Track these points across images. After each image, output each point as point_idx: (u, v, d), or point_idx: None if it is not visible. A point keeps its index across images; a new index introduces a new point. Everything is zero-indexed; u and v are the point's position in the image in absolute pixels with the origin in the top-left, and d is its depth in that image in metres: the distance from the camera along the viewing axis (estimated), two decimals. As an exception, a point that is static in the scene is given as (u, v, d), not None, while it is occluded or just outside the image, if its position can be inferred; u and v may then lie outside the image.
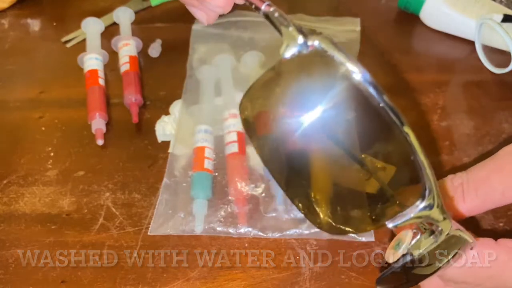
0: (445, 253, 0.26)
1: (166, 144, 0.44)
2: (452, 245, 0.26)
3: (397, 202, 0.24)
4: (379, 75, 0.49)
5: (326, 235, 0.37)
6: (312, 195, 0.27)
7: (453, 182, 0.28)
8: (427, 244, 0.25)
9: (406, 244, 0.25)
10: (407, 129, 0.21)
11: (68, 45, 0.54)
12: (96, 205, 0.40)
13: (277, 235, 0.37)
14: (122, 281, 0.35)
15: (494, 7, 0.51)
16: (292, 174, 0.27)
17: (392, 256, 0.26)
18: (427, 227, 0.25)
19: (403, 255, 0.26)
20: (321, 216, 0.27)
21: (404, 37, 0.54)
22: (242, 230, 0.38)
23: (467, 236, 0.25)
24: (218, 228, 0.38)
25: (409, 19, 0.55)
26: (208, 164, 0.41)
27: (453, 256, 0.26)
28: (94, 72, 0.48)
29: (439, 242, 0.25)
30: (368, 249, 0.36)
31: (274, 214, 0.38)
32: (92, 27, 0.53)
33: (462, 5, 0.51)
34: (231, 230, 0.38)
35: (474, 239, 0.26)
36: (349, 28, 0.53)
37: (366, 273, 0.35)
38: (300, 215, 0.38)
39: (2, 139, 0.46)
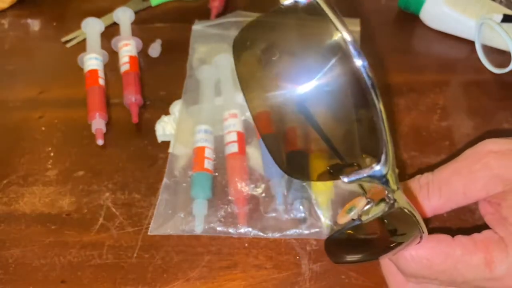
0: (395, 231, 0.27)
1: (166, 144, 0.44)
2: (403, 225, 0.26)
3: (355, 163, 0.25)
4: (379, 75, 0.49)
5: (326, 236, 0.37)
6: (283, 134, 0.28)
7: (420, 181, 0.29)
8: (376, 210, 0.26)
9: (358, 209, 0.26)
10: (375, 94, 0.22)
11: (68, 45, 0.54)
12: (96, 205, 0.40)
13: (277, 235, 0.37)
14: (122, 281, 0.36)
15: (494, 7, 0.51)
16: (270, 112, 0.29)
17: (343, 218, 0.27)
18: (371, 201, 0.27)
19: (353, 220, 0.27)
20: (285, 156, 0.28)
21: (404, 37, 0.54)
22: (242, 230, 0.38)
23: (419, 221, 0.26)
24: (218, 228, 0.38)
25: (409, 19, 0.55)
26: (208, 164, 0.41)
27: (402, 240, 0.26)
28: (94, 72, 0.48)
29: (388, 212, 0.26)
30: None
31: (274, 214, 0.38)
32: (92, 27, 0.53)
33: (462, 5, 0.51)
34: (231, 230, 0.38)
35: (426, 230, 0.26)
36: (349, 28, 0.52)
37: (366, 273, 0.35)
38: (300, 215, 0.38)
39: (2, 139, 0.46)
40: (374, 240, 0.28)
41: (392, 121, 0.45)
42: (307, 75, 0.24)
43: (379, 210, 0.26)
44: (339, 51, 0.22)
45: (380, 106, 0.22)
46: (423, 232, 0.26)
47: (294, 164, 0.28)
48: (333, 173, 0.26)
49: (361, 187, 0.27)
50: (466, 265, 0.26)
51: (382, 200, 0.26)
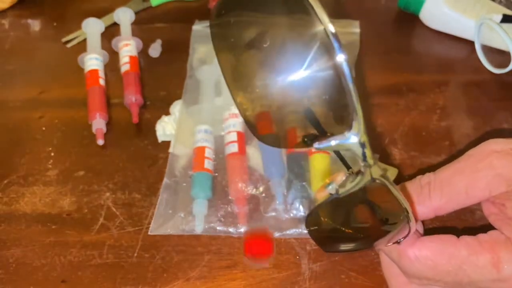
0: (382, 219, 0.26)
1: (166, 144, 0.44)
2: (388, 210, 0.26)
3: (328, 133, 0.26)
4: (379, 75, 0.49)
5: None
6: (255, 102, 0.29)
7: (421, 181, 0.29)
8: (353, 183, 0.26)
9: (336, 184, 0.27)
10: (344, 64, 0.22)
11: (69, 45, 0.54)
12: (96, 205, 0.40)
13: (277, 234, 0.37)
14: (122, 280, 0.36)
15: (494, 7, 0.51)
16: (241, 79, 0.29)
17: (321, 193, 0.27)
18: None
19: (331, 195, 0.27)
20: (257, 125, 0.29)
21: (404, 37, 0.54)
22: (242, 230, 0.38)
23: (404, 204, 0.26)
24: (218, 228, 0.38)
25: (409, 19, 0.55)
26: (208, 164, 0.41)
27: (389, 229, 0.26)
28: (94, 72, 0.48)
29: (364, 184, 0.26)
30: (367, 249, 0.36)
31: (274, 214, 0.38)
32: (92, 28, 0.53)
33: (462, 5, 0.51)
34: (231, 230, 0.38)
35: (413, 218, 0.26)
36: (349, 30, 0.53)
37: (366, 273, 0.35)
38: (300, 214, 0.38)
39: (3, 139, 0.46)
40: (362, 229, 0.27)
41: (392, 121, 0.45)
42: (280, 49, 0.25)
43: (355, 182, 0.26)
44: (309, 23, 0.22)
45: (353, 90, 0.22)
46: (410, 221, 0.26)
47: (272, 135, 0.29)
48: (307, 142, 0.27)
49: (346, 165, 0.27)
50: (472, 265, 0.26)
51: (359, 172, 0.26)
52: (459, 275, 0.27)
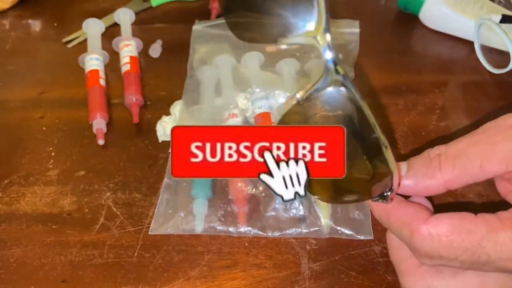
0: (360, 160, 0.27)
1: (166, 144, 0.44)
2: (364, 144, 0.27)
3: (295, 29, 0.26)
4: (378, 76, 0.49)
5: (325, 235, 0.37)
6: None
7: (430, 154, 0.28)
8: (316, 84, 0.26)
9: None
10: None
11: (69, 45, 0.54)
12: (97, 204, 0.40)
13: (276, 234, 0.37)
14: (122, 280, 0.36)
15: (493, 7, 0.51)
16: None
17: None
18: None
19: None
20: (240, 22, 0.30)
21: (403, 37, 0.55)
22: (242, 230, 0.38)
23: (380, 135, 0.26)
24: (218, 228, 0.38)
25: (409, 20, 0.55)
26: (208, 164, 0.41)
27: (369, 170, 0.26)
28: (95, 72, 0.48)
29: (326, 84, 0.26)
30: (367, 248, 0.36)
31: (273, 214, 0.38)
32: (93, 28, 0.53)
33: (462, 5, 0.51)
34: (231, 230, 0.38)
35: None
36: (348, 30, 0.53)
37: (366, 272, 0.35)
38: (299, 214, 0.38)
39: (3, 139, 0.46)
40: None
41: (391, 121, 0.45)
42: None
43: (317, 84, 0.26)
44: None
45: None
46: (386, 146, 0.25)
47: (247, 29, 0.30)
48: (276, 38, 0.28)
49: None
50: (492, 242, 0.25)
51: (327, 76, 0.26)
52: (477, 253, 0.25)
